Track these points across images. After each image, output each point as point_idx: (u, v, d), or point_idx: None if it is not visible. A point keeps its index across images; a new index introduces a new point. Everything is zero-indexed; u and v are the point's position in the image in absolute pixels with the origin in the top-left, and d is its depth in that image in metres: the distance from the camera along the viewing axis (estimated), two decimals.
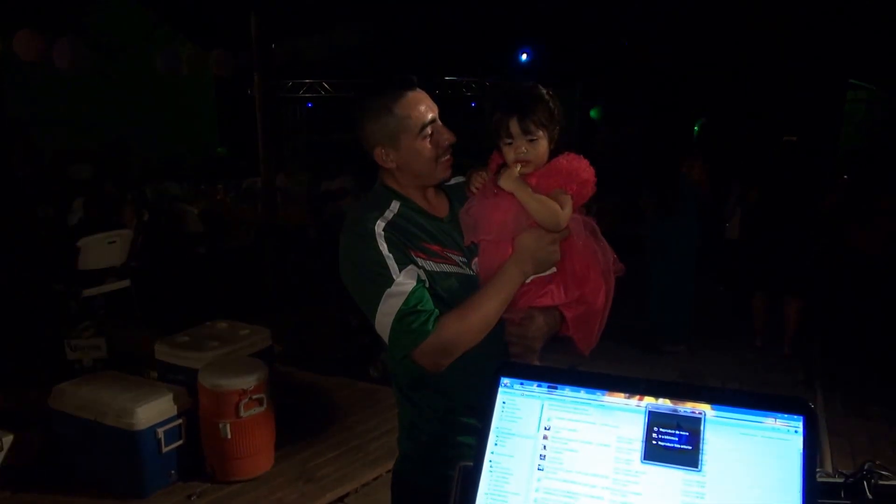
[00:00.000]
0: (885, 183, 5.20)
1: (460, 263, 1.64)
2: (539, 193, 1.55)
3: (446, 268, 1.61)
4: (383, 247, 1.52)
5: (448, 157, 1.65)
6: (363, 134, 1.65)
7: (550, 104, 1.57)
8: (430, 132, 1.60)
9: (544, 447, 1.08)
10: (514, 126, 1.54)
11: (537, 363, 1.63)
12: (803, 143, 4.98)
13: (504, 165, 1.66)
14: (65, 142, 9.38)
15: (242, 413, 3.36)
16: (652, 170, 5.41)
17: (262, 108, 6.72)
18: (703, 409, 1.04)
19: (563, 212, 1.54)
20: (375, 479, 3.59)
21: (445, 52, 9.99)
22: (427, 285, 1.51)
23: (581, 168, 1.58)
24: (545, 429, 1.09)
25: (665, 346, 5.25)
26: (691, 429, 1.03)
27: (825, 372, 4.84)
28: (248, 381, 3.38)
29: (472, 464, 1.39)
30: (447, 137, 1.63)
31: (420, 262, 1.56)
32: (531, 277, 1.58)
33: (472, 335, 1.49)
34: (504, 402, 1.12)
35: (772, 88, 8.62)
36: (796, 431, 1.00)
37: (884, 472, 1.17)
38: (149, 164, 10.41)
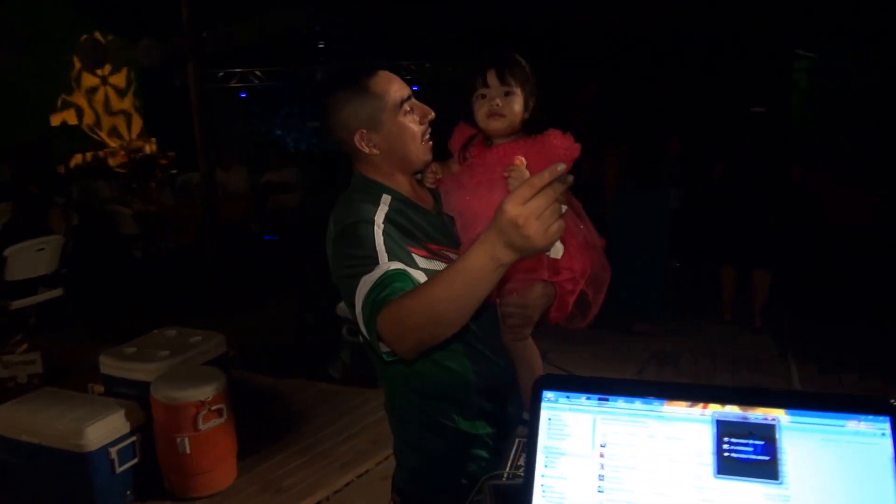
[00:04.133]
0: (854, 153, 5.27)
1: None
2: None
3: (442, 265, 1.47)
4: (379, 239, 1.38)
5: (429, 137, 1.54)
6: (336, 122, 1.51)
7: (528, 70, 1.54)
8: (409, 108, 1.50)
9: (602, 466, 0.96)
10: (492, 76, 1.50)
11: (529, 339, 1.58)
12: (771, 113, 4.99)
13: (471, 140, 1.59)
14: None
15: (201, 426, 3.14)
16: (637, 143, 5.28)
17: (198, 100, 6.36)
18: (777, 414, 0.95)
19: None
20: (347, 484, 3.43)
21: (386, 34, 9.70)
22: (407, 273, 1.34)
23: (570, 147, 1.50)
24: (601, 446, 0.97)
25: (636, 326, 5.22)
26: (766, 437, 0.94)
27: (798, 342, 4.90)
28: (206, 392, 3.16)
29: (501, 481, 1.27)
30: (426, 114, 1.53)
31: (421, 260, 1.44)
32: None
33: (431, 311, 1.20)
34: (550, 419, 1.00)
35: (723, 61, 8.73)
36: (883, 434, 0.91)
37: None
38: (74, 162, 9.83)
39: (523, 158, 1.37)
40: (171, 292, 6.43)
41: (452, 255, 1.50)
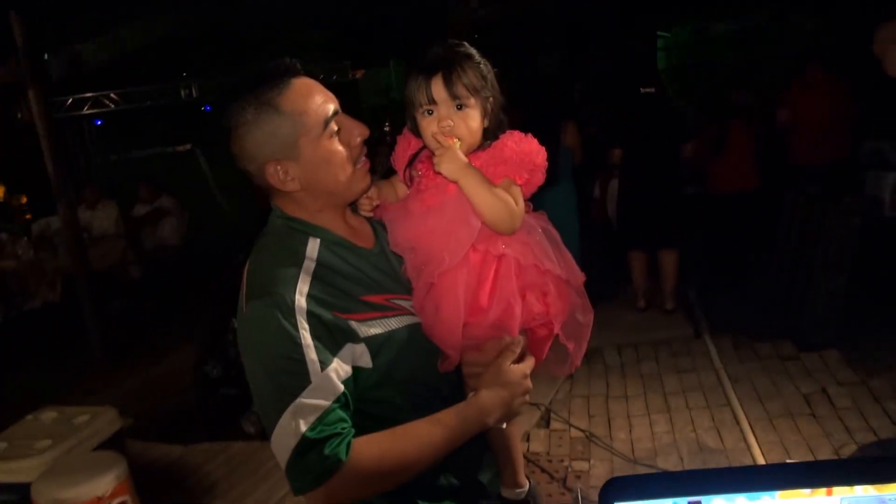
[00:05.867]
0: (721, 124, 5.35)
1: (410, 309, 1.23)
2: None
3: (393, 323, 1.20)
4: (304, 330, 1.08)
5: (364, 159, 1.23)
6: (240, 152, 1.18)
7: (482, 67, 1.22)
8: (335, 128, 1.17)
9: None
10: (438, 88, 1.18)
11: None
12: (661, 93, 4.96)
13: (417, 155, 1.30)
14: None
15: None
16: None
17: (46, 132, 5.53)
18: None
19: (517, 210, 1.21)
20: None
21: (257, 44, 9.09)
22: (347, 399, 1.09)
23: (532, 151, 1.26)
24: None
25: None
26: None
27: (710, 319, 4.93)
28: (103, 485, 2.62)
29: None
30: (359, 132, 1.21)
31: (357, 327, 1.14)
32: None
33: (390, 475, 1.11)
34: None
35: (602, 42, 8.86)
36: None
37: None
38: None
39: (457, 140, 1.18)
40: (42, 363, 5.61)
41: (403, 303, 1.22)
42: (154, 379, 5.08)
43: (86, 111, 10.95)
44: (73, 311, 5.85)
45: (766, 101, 5.89)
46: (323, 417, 1.03)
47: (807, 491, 0.73)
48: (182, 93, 10.48)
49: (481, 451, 1.37)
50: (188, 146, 11.31)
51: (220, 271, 4.42)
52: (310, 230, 1.20)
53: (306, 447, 1.02)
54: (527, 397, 1.23)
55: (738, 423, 3.52)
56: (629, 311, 5.25)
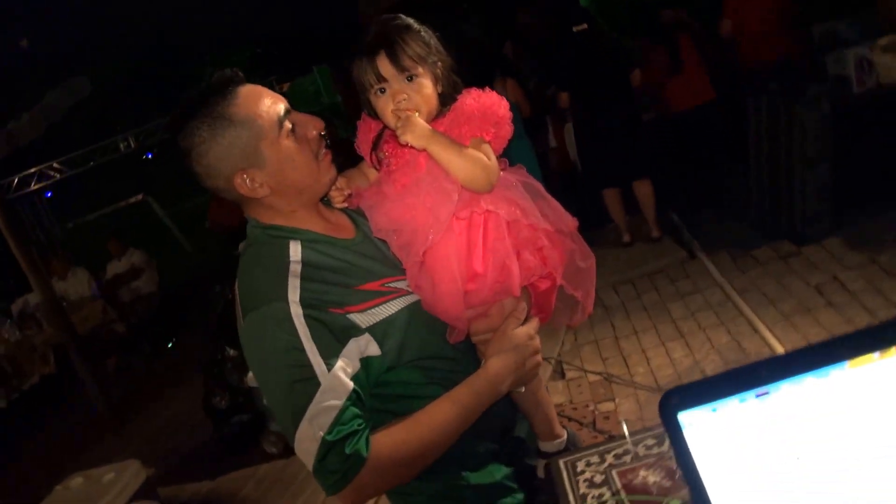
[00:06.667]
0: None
1: (407, 289, 1.21)
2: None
3: (393, 306, 1.17)
4: (303, 335, 1.06)
5: (325, 150, 1.21)
6: (204, 171, 1.15)
7: (423, 34, 1.19)
8: (290, 126, 1.15)
9: (803, 476, 0.66)
10: (384, 64, 1.16)
11: None
12: (594, 27, 4.89)
13: (381, 135, 1.27)
14: None
15: None
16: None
17: (2, 217, 5.47)
18: None
19: (491, 164, 1.18)
20: None
21: (180, 80, 8.98)
22: (360, 395, 1.08)
23: (493, 104, 1.22)
24: (795, 458, 0.67)
25: None
26: None
27: (698, 237, 4.91)
28: None
29: None
30: (313, 125, 1.20)
31: (357, 319, 1.11)
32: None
33: (415, 461, 1.11)
34: (705, 449, 0.69)
35: None
36: None
37: None
38: None
39: (416, 112, 1.15)
40: (54, 432, 5.57)
41: (399, 285, 1.20)
42: (166, 423, 5.03)
43: (34, 187, 10.79)
44: (71, 377, 5.82)
45: (699, 12, 5.84)
46: (339, 418, 1.03)
47: (876, 355, 0.70)
48: (121, 146, 10.35)
49: (511, 409, 1.35)
50: (140, 196, 11.22)
51: (202, 304, 4.37)
52: (288, 233, 1.18)
53: (327, 449, 1.02)
54: (538, 358, 1.23)
55: (756, 330, 3.50)
56: (616, 249, 5.20)
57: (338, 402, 1.03)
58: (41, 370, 6.66)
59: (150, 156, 10.21)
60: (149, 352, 6.74)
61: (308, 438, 1.03)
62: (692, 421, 0.69)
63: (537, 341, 1.22)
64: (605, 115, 4.82)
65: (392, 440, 1.08)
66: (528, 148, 4.94)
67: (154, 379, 6.02)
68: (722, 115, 5.38)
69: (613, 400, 3.39)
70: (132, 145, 10.25)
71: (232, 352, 3.93)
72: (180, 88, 8.91)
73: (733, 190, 5.22)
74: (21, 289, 7.31)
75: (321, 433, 1.02)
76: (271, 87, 1.20)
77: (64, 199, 11.77)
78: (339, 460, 1.02)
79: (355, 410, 1.05)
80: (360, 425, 1.04)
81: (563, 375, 3.77)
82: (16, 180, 10.60)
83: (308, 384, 1.03)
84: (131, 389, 5.95)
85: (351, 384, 1.06)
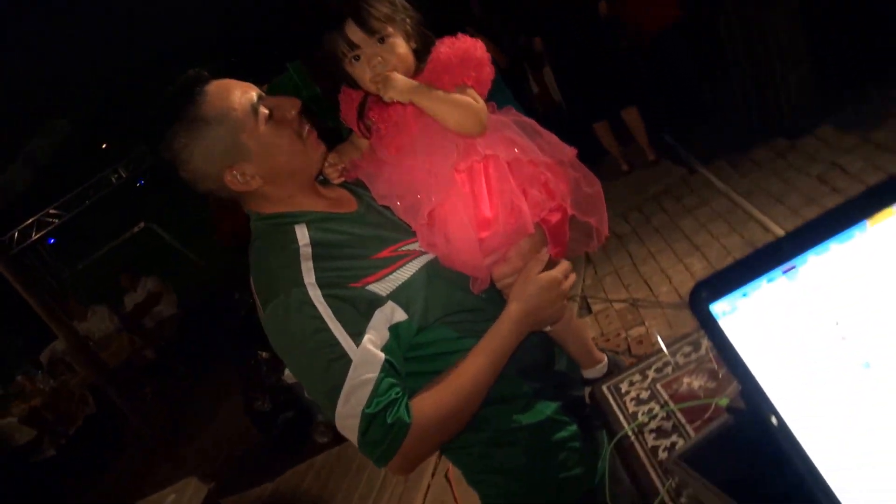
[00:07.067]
0: None
1: (419, 248, 1.21)
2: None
3: (409, 269, 1.17)
4: (326, 315, 1.06)
5: (308, 127, 1.19)
6: (191, 175, 1.14)
7: None
8: (267, 112, 1.13)
9: (845, 341, 0.67)
10: (353, 31, 1.14)
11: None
12: None
13: (364, 103, 1.26)
14: None
15: None
16: None
17: (12, 273, 5.51)
18: None
19: (479, 105, 1.17)
20: None
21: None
22: (393, 364, 1.09)
23: (468, 48, 1.20)
24: (834, 324, 0.68)
25: None
26: None
27: (694, 151, 4.90)
28: None
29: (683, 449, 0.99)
30: (290, 104, 1.17)
31: (376, 289, 1.11)
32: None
33: (457, 416, 1.13)
34: (745, 336, 0.69)
35: None
36: None
37: None
38: None
39: (395, 72, 1.14)
40: (109, 469, 5.67)
41: (411, 247, 1.20)
42: (214, 437, 5.13)
43: (35, 237, 10.82)
44: (112, 412, 5.91)
45: None
46: (375, 390, 1.04)
47: (895, 207, 0.69)
48: (112, 179, 10.32)
49: (548, 345, 1.36)
50: (141, 224, 11.24)
51: (225, 314, 4.41)
52: (292, 218, 1.17)
53: (369, 422, 1.03)
54: (563, 301, 1.23)
55: (768, 229, 3.52)
56: (617, 179, 5.20)
57: (372, 375, 1.04)
58: (83, 412, 6.75)
59: (141, 183, 10.18)
60: (183, 372, 6.83)
61: (349, 415, 1.04)
62: (725, 309, 0.70)
63: (566, 284, 1.23)
64: (579, 50, 4.78)
65: (431, 401, 1.09)
66: (511, 99, 4.90)
67: (194, 397, 6.11)
68: (695, 30, 5.30)
69: (643, 324, 3.42)
70: (123, 176, 10.22)
71: (264, 354, 3.97)
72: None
73: (719, 101, 5.19)
74: (45, 338, 7.39)
75: (360, 408, 1.03)
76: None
77: (67, 241, 11.82)
78: (382, 431, 1.03)
79: (391, 380, 1.06)
80: (397, 394, 1.05)
81: (589, 310, 3.79)
82: (16, 234, 10.61)
83: (340, 362, 1.04)
84: (174, 412, 6.03)
85: (382, 355, 1.06)
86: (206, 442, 5.14)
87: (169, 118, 1.10)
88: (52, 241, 11.84)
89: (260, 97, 1.14)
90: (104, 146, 9.98)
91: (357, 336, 1.05)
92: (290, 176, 1.17)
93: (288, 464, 4.06)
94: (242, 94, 1.13)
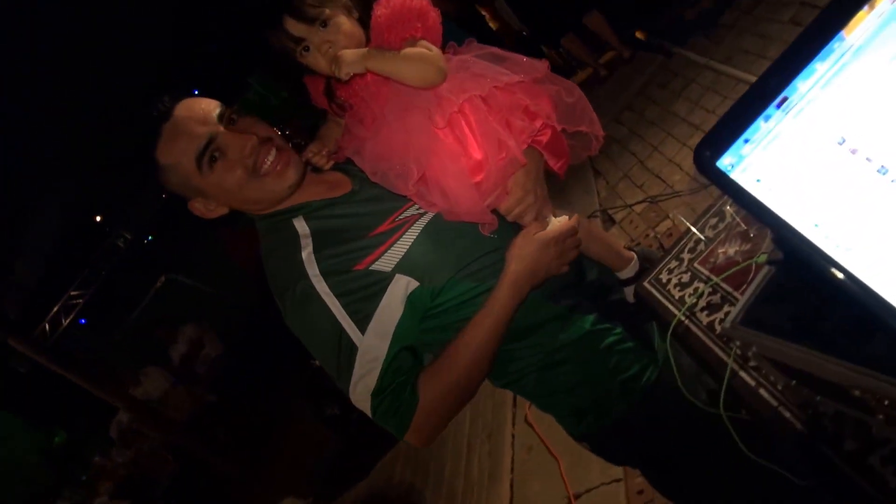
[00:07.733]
0: None
1: (418, 212, 1.21)
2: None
3: (409, 236, 1.17)
4: (333, 305, 1.08)
5: (272, 157, 1.15)
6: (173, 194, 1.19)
7: None
8: (216, 153, 1.11)
9: (855, 153, 0.66)
10: (293, 25, 1.15)
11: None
12: None
13: (330, 87, 1.26)
14: None
15: None
16: None
17: (54, 365, 5.62)
18: None
19: (433, 53, 1.16)
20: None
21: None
22: (402, 344, 1.11)
23: (404, 1, 1.18)
24: (838, 143, 0.67)
25: None
26: None
27: (665, 36, 4.82)
28: None
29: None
30: (243, 141, 1.13)
31: (381, 266, 1.12)
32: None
33: (463, 389, 1.13)
34: (755, 180, 0.69)
35: None
36: None
37: None
38: None
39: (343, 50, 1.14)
40: None
41: (409, 212, 1.20)
42: (294, 453, 5.23)
43: (66, 322, 10.96)
44: (194, 463, 6.05)
45: None
46: (383, 373, 1.06)
47: (865, 8, 0.67)
48: (120, 244, 10.40)
49: (574, 261, 1.35)
50: (163, 278, 11.33)
51: (269, 335, 4.47)
52: (288, 213, 1.18)
53: (381, 400, 1.07)
54: (571, 254, 1.23)
55: None
56: (600, 87, 5.16)
57: (378, 361, 1.07)
58: (167, 472, 6.93)
59: (149, 239, 10.25)
60: (246, 403, 6.94)
61: (361, 399, 1.08)
62: (732, 161, 0.70)
63: (570, 241, 1.22)
64: None
65: (437, 379, 1.11)
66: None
67: (264, 423, 6.21)
68: None
69: (667, 217, 3.40)
70: (128, 238, 10.30)
71: (317, 361, 4.03)
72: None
73: None
74: (107, 414, 7.53)
75: (369, 392, 1.06)
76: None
77: (97, 317, 11.97)
78: (392, 411, 1.07)
79: (397, 363, 1.08)
80: (404, 376, 1.08)
81: (613, 221, 3.78)
82: (46, 325, 10.77)
83: (347, 350, 1.07)
84: (252, 441, 6.15)
85: (388, 340, 1.08)
86: (288, 460, 5.25)
87: (144, 153, 1.13)
88: (84, 321, 12.00)
89: (210, 140, 1.11)
90: (98, 219, 9.97)
91: (363, 322, 1.07)
92: (255, 202, 1.19)
93: (372, 458, 4.14)
94: (188, 142, 1.10)
